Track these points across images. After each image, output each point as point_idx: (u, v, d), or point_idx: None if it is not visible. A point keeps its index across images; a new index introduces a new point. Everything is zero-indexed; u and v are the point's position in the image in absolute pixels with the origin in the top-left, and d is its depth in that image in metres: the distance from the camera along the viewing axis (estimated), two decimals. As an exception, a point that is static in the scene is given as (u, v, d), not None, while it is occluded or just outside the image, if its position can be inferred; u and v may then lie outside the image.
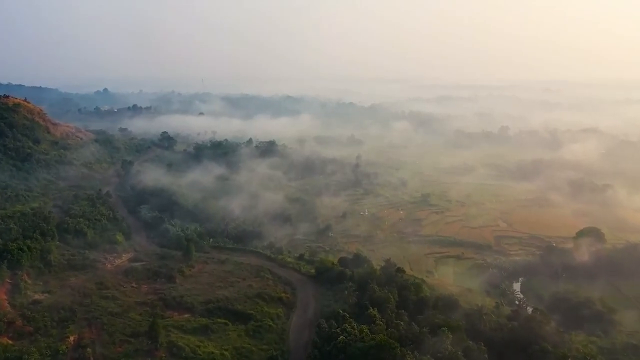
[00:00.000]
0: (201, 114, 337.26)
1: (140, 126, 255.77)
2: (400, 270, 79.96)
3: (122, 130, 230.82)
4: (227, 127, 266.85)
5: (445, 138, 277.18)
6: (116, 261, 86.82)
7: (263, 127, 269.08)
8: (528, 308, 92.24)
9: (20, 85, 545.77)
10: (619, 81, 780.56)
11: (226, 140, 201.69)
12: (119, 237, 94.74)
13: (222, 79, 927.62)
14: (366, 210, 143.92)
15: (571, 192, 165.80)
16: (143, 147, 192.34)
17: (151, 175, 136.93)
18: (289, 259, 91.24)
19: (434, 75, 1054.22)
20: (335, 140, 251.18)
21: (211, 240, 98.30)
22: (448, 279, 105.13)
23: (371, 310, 65.78)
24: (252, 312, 69.53)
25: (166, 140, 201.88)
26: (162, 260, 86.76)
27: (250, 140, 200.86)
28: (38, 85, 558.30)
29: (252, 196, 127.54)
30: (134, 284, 77.66)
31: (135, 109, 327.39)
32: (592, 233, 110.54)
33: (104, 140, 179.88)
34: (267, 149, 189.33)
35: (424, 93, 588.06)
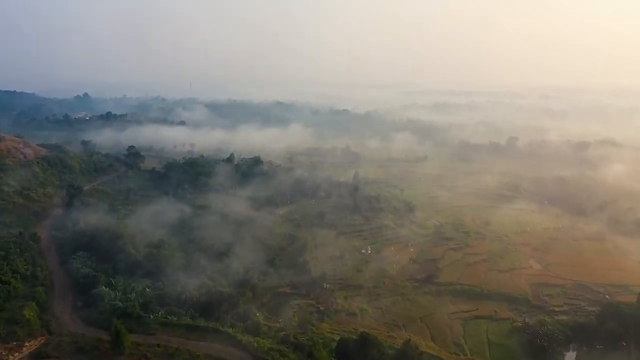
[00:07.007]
0: (182, 122, 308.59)
1: (109, 138, 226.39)
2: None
3: (84, 143, 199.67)
4: (208, 139, 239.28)
5: (450, 150, 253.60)
6: (11, 357, 59.13)
7: (248, 139, 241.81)
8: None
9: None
10: (617, 87, 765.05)
11: (202, 156, 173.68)
12: (29, 313, 66.93)
13: (211, 83, 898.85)
14: (369, 247, 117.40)
15: (607, 220, 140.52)
16: (104, 166, 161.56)
17: (99, 208, 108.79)
18: (266, 344, 64.29)
19: (427, 79, 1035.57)
20: (329, 153, 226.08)
21: (161, 312, 70.52)
22: (484, 355, 79.38)
23: None
24: None
25: (133, 156, 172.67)
26: (79, 355, 59.23)
27: (231, 157, 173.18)
28: (12, 90, 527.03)
29: (225, 239, 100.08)
30: (24, 408, 50.24)
31: (108, 117, 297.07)
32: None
33: (55, 157, 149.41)
34: (251, 167, 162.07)
35: (419, 99, 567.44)
